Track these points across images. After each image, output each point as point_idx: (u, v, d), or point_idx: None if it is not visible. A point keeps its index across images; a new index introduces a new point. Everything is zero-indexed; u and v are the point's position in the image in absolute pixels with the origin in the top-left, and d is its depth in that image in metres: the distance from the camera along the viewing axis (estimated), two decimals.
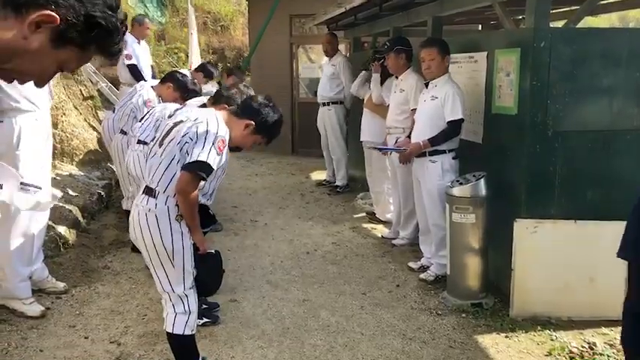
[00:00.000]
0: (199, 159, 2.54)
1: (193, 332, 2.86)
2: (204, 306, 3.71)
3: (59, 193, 3.45)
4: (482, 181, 4.04)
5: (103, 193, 5.99)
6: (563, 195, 3.95)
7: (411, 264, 4.85)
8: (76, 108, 7.31)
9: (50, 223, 4.64)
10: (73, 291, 4.10)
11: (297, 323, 3.79)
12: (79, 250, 4.70)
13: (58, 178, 5.74)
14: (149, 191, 2.68)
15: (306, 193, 7.54)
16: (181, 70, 5.45)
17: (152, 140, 3.36)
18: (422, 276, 4.60)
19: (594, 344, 3.58)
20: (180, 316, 2.79)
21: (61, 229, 4.69)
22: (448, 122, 4.22)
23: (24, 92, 3.36)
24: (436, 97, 4.29)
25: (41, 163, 3.63)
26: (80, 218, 5.12)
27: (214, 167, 2.60)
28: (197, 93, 4.81)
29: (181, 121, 2.70)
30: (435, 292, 4.36)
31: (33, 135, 3.48)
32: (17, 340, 3.37)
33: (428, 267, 4.68)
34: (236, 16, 18.44)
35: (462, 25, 8.26)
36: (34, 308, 3.68)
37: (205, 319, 3.65)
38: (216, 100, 3.40)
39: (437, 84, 4.34)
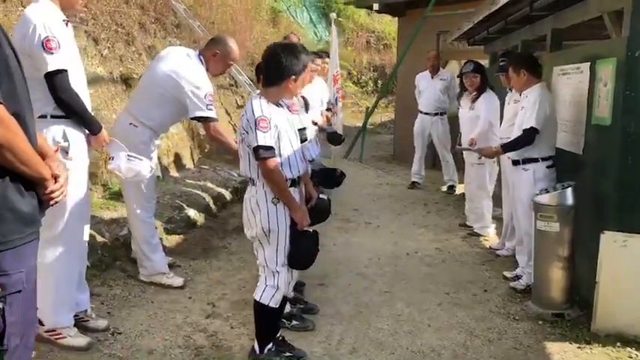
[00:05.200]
0: (254, 146, 2.96)
1: (277, 306, 3.21)
2: (300, 305, 3.98)
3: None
4: (568, 190, 4.01)
5: (238, 188, 6.78)
6: None
7: (506, 273, 4.87)
8: (228, 114, 8.32)
9: (184, 205, 5.51)
10: (191, 262, 4.82)
11: (371, 309, 4.09)
12: (205, 231, 5.48)
13: (201, 172, 6.68)
14: (251, 181, 3.17)
15: (430, 203, 7.70)
16: None
17: None
18: (512, 284, 4.62)
19: None
20: (269, 288, 3.19)
21: (192, 213, 5.51)
22: (523, 130, 4.27)
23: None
24: (524, 107, 4.38)
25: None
26: (212, 205, 5.92)
27: (270, 144, 2.95)
28: None
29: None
30: (522, 300, 4.36)
31: None
32: (137, 292, 4.12)
33: (522, 276, 4.67)
34: None
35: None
36: (177, 281, 4.27)
37: (295, 322, 3.76)
38: None
39: (527, 94, 4.41)
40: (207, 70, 4.15)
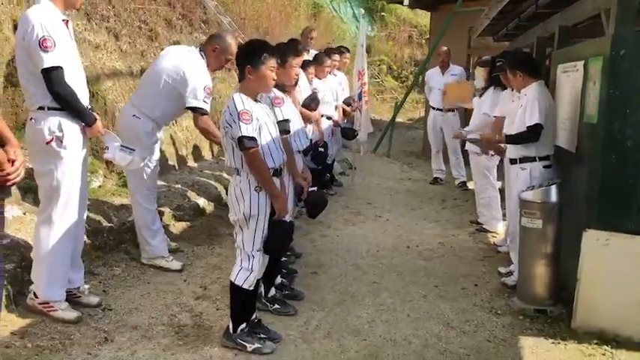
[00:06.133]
0: (237, 137, 3.16)
1: (250, 288, 3.40)
2: (286, 291, 4.19)
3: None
4: (553, 188, 4.04)
5: None
6: None
7: (501, 268, 4.92)
8: None
9: (195, 193, 5.78)
10: (194, 248, 5.08)
11: (356, 298, 4.24)
12: (212, 219, 5.72)
13: (218, 164, 6.94)
14: (236, 171, 3.39)
15: (448, 199, 7.72)
16: None
17: None
18: (503, 279, 4.67)
19: None
20: (243, 270, 3.40)
21: (201, 201, 5.78)
22: (527, 127, 4.29)
23: None
24: (522, 105, 4.40)
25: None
26: (224, 195, 6.16)
27: (252, 134, 3.15)
28: None
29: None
30: (510, 295, 4.40)
31: None
32: (135, 274, 4.40)
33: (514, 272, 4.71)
34: None
35: None
36: (175, 264, 4.54)
37: (277, 306, 3.97)
38: None
39: (526, 93, 4.43)
40: (207, 65, 4.37)
